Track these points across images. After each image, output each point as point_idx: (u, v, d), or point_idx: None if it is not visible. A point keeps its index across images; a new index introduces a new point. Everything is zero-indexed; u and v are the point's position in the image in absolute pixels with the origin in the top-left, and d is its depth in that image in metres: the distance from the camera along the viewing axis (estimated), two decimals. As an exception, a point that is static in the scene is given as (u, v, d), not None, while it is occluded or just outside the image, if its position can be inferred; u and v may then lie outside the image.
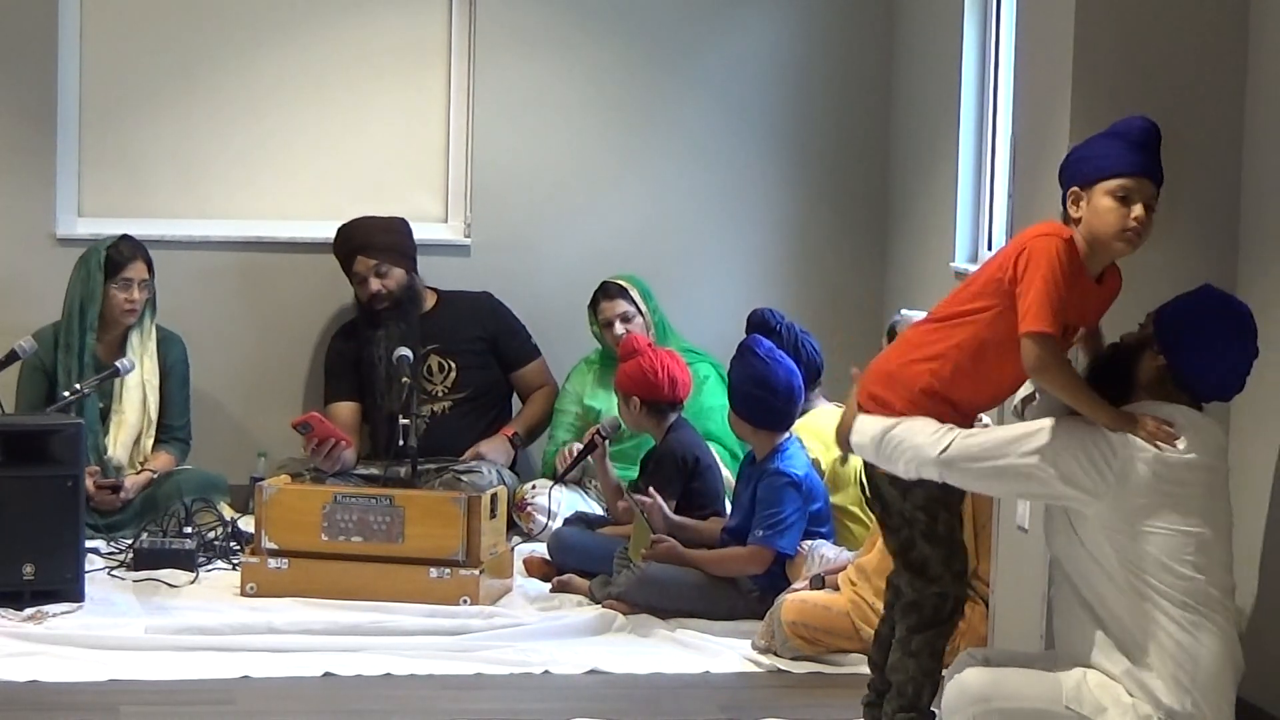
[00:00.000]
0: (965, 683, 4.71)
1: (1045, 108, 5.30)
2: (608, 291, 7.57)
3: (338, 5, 7.96)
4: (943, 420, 4.58)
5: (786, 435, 6.28)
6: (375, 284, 7.57)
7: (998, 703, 4.62)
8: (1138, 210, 4.51)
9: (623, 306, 7.53)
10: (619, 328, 7.49)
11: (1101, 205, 4.53)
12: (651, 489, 6.44)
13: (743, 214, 8.16)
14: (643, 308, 7.55)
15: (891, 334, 6.03)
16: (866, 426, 4.66)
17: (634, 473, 6.92)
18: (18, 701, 5.34)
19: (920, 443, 4.55)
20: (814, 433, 6.55)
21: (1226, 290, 4.92)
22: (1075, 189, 4.59)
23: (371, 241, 7.60)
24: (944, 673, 4.96)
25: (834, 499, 6.49)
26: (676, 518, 6.42)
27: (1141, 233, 4.52)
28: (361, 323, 7.67)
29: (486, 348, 7.73)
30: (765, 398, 6.24)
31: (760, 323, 6.72)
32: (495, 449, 7.55)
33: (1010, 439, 4.53)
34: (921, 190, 7.87)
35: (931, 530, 4.70)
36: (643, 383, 6.63)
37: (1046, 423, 4.52)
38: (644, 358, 6.67)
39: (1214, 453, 4.51)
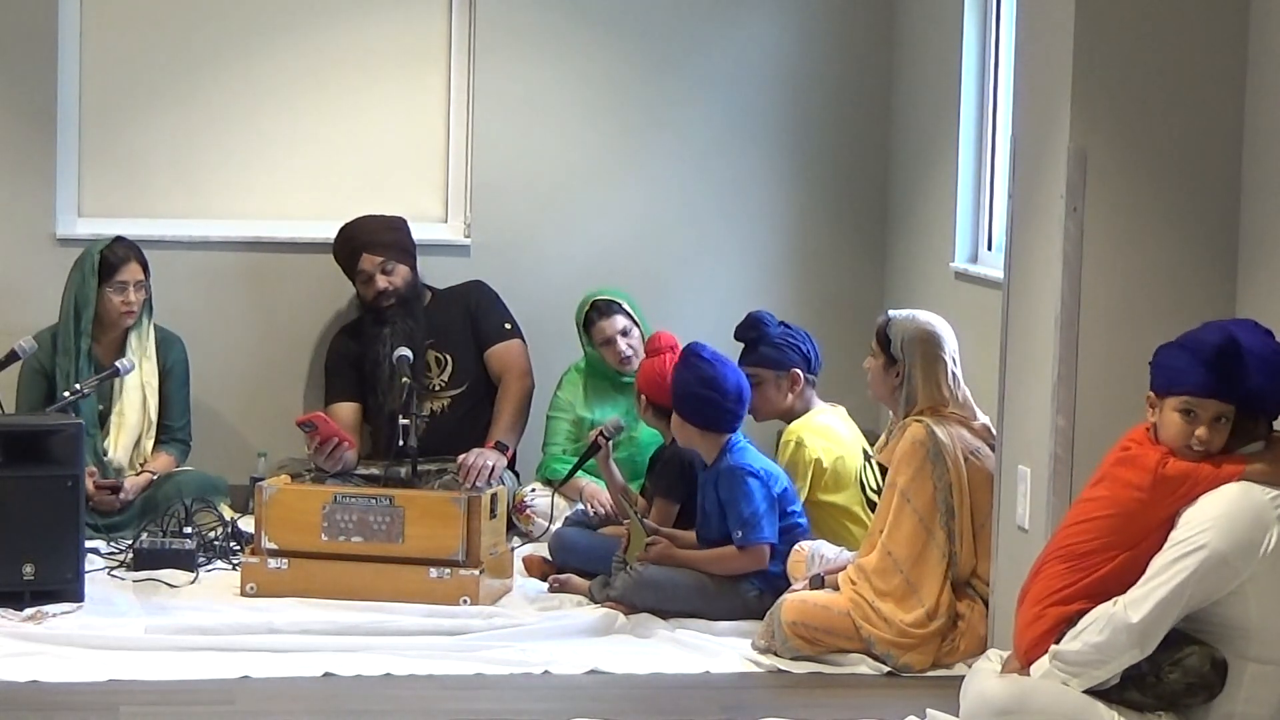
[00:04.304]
0: (988, 693, 4.68)
1: (1045, 108, 5.31)
2: (601, 309, 7.44)
3: (338, 5, 7.95)
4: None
5: (731, 435, 6.28)
6: (382, 281, 7.56)
7: (1024, 716, 4.61)
8: (1201, 432, 4.61)
9: (621, 322, 7.45)
10: (621, 343, 7.40)
11: (1169, 419, 4.65)
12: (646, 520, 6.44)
13: (743, 214, 8.16)
14: (636, 319, 7.50)
15: (880, 336, 5.99)
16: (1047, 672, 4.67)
17: (634, 483, 6.92)
18: (18, 701, 5.33)
19: (1102, 643, 4.56)
20: (816, 431, 6.55)
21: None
22: (1151, 394, 4.71)
23: (376, 239, 7.60)
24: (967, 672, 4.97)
25: (834, 498, 6.49)
26: (665, 529, 6.41)
27: (1207, 449, 4.61)
28: (367, 321, 7.64)
29: (473, 331, 7.71)
30: (715, 399, 6.24)
31: (755, 323, 6.71)
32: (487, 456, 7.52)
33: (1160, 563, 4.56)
34: (921, 190, 7.86)
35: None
36: (652, 384, 6.63)
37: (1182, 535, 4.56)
38: (659, 360, 6.65)
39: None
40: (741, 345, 6.72)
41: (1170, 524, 4.58)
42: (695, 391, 6.25)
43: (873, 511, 6.38)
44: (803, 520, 6.27)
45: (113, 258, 7.30)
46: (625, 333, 7.43)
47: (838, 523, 6.47)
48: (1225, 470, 4.57)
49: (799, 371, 6.63)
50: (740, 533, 6.14)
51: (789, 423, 6.63)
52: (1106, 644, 4.53)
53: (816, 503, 6.46)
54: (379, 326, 7.56)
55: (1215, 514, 4.51)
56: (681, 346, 6.82)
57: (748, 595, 6.18)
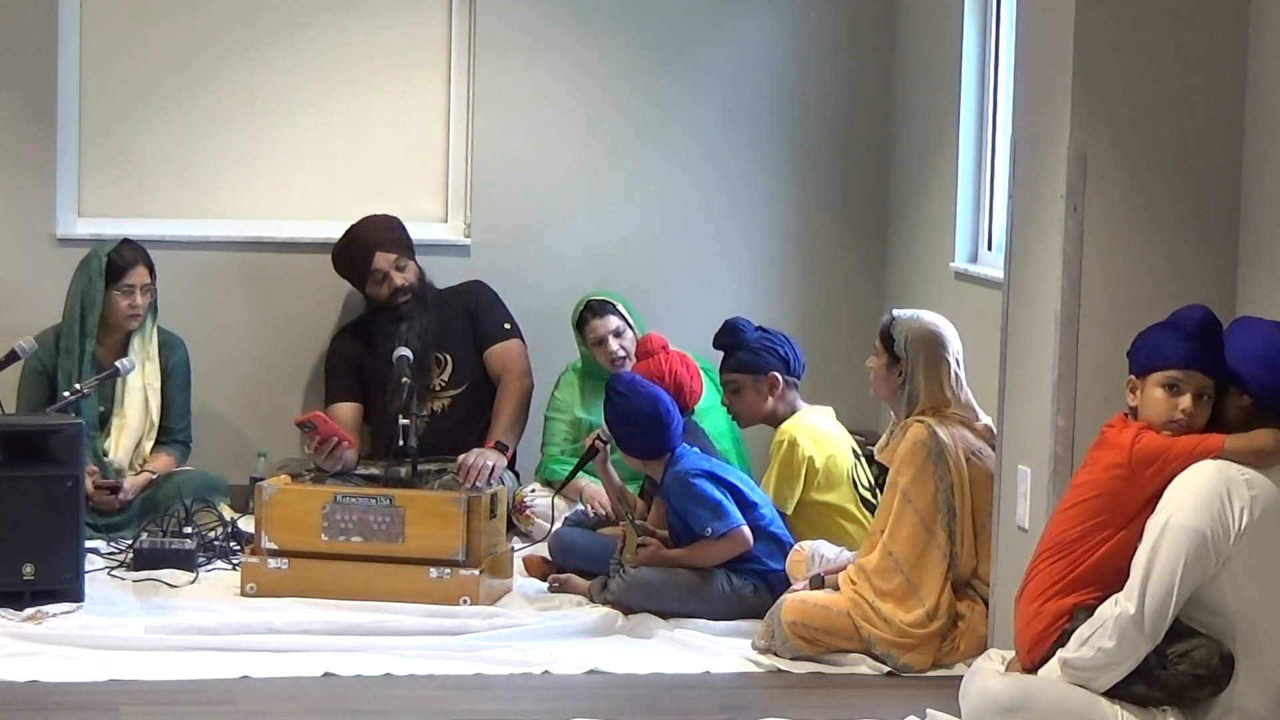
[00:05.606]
0: (992, 691, 4.68)
1: (1045, 108, 5.31)
2: (594, 309, 7.46)
3: (338, 5, 7.95)
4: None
5: (670, 452, 6.33)
6: (398, 278, 7.56)
7: (1029, 714, 4.61)
8: (1185, 402, 4.62)
9: (614, 322, 7.46)
10: (613, 344, 7.42)
11: (1152, 396, 4.66)
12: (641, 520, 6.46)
13: (743, 214, 8.15)
14: (630, 320, 7.50)
15: (884, 335, 6.00)
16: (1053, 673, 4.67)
17: (633, 484, 6.92)
18: (18, 701, 5.34)
19: (1114, 647, 4.55)
20: (806, 431, 6.54)
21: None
22: (1132, 377, 4.72)
23: (387, 237, 7.60)
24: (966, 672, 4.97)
25: (828, 497, 6.49)
26: (659, 532, 6.42)
27: (1190, 424, 4.62)
28: (382, 320, 7.61)
29: (472, 331, 7.71)
30: (633, 431, 6.34)
31: (731, 329, 6.72)
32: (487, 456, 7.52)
33: (1149, 548, 4.55)
34: (921, 190, 7.86)
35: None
36: None
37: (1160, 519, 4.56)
38: (653, 361, 6.67)
39: None
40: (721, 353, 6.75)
41: (1155, 503, 4.58)
42: (617, 429, 6.39)
43: (866, 510, 6.40)
44: (765, 516, 6.28)
45: (120, 261, 7.30)
46: (618, 333, 7.44)
47: (832, 521, 6.47)
48: (1203, 445, 4.57)
49: (776, 375, 6.63)
50: (710, 529, 6.17)
51: (775, 425, 6.64)
52: (1118, 647, 4.52)
53: (810, 502, 6.47)
54: (395, 324, 7.54)
55: (1190, 493, 4.51)
56: (673, 346, 6.84)
57: (744, 593, 6.19)
